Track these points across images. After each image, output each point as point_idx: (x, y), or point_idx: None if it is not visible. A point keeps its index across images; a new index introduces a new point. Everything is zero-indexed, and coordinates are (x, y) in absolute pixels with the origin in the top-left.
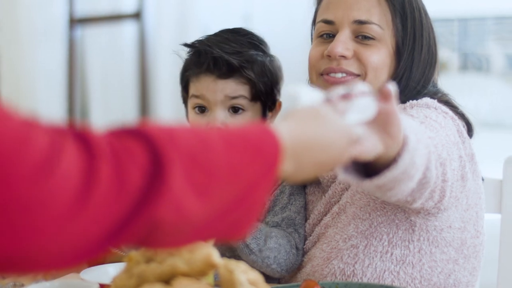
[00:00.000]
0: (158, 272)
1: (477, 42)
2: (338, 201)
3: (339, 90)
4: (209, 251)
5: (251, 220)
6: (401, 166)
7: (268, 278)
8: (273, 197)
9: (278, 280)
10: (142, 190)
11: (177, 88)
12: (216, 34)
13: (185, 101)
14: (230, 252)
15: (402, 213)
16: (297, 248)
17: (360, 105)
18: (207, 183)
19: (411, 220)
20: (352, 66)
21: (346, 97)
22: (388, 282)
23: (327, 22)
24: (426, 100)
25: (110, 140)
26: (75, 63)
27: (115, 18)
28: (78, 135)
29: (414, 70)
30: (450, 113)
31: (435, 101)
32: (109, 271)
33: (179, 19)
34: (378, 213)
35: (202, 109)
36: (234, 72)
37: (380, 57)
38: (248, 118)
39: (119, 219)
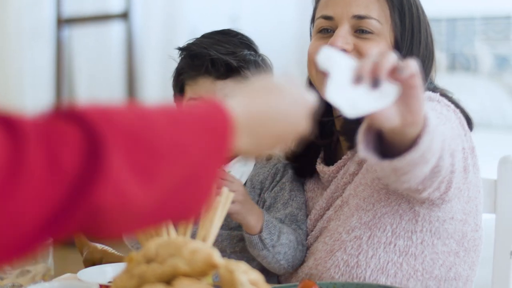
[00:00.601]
0: (159, 272)
1: (465, 42)
2: (341, 195)
3: (369, 61)
4: (210, 251)
5: (202, 199)
6: (421, 148)
7: (268, 276)
8: (273, 193)
9: (278, 280)
10: (78, 173)
11: (165, 88)
12: (206, 36)
13: None
14: (231, 248)
15: (406, 203)
16: (302, 245)
17: (384, 90)
18: (150, 164)
19: (415, 210)
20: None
21: (375, 72)
22: (391, 273)
23: (327, 17)
24: (429, 93)
25: (39, 123)
26: (62, 63)
27: (102, 18)
28: (1, 119)
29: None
30: (452, 106)
31: (437, 94)
32: (107, 271)
33: (166, 20)
34: (382, 203)
35: None
36: (232, 73)
37: (379, 50)
38: None
39: (57, 205)
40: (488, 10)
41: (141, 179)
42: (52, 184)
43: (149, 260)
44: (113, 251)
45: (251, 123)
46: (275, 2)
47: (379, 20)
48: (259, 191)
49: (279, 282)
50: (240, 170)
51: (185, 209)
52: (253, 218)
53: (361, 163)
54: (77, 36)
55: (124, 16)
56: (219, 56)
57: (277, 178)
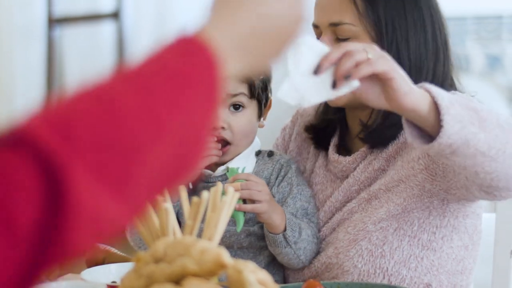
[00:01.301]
0: (168, 272)
1: (457, 42)
2: (363, 188)
3: (334, 54)
4: (219, 251)
5: (197, 161)
6: (448, 131)
7: (274, 269)
8: (281, 189)
9: (283, 275)
10: (42, 221)
11: None
12: None
13: None
14: (238, 243)
15: (439, 200)
16: (316, 237)
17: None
18: (125, 167)
19: (447, 207)
20: None
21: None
22: (412, 267)
23: (314, 26)
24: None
25: None
26: (53, 63)
27: (93, 18)
28: None
29: (404, 58)
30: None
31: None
32: (110, 271)
33: (157, 19)
34: (414, 199)
35: None
36: None
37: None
38: (247, 115)
39: (24, 263)
40: (479, 10)
41: (117, 191)
42: (12, 245)
43: (157, 260)
44: (116, 251)
45: (240, 46)
46: None
47: (353, 22)
48: None
49: (284, 278)
50: (241, 168)
51: (180, 176)
52: (278, 217)
53: (388, 159)
54: (68, 35)
55: (115, 15)
56: None
57: (282, 173)
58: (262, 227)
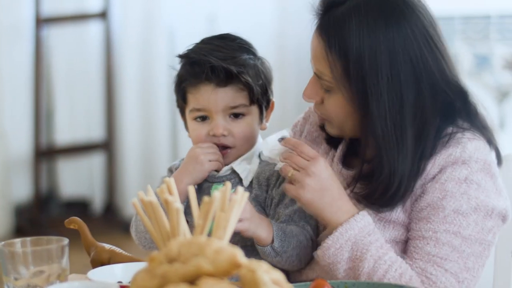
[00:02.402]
0: (182, 272)
1: None
2: None
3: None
4: (234, 251)
5: None
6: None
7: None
8: (280, 190)
9: (287, 277)
10: None
11: (143, 87)
12: (204, 42)
13: (182, 109)
14: (242, 242)
15: None
16: (312, 240)
17: None
18: None
19: None
20: (322, 110)
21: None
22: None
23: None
24: (459, 154)
25: None
26: (41, 62)
27: (81, 17)
28: None
29: (375, 122)
30: (486, 159)
31: (471, 152)
32: (116, 271)
33: (144, 19)
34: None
35: (203, 118)
36: (232, 79)
37: (336, 108)
38: (248, 121)
39: None
40: (467, 10)
41: None
42: None
43: (171, 260)
44: (121, 251)
45: None
46: (254, 2)
47: (330, 81)
48: (266, 187)
49: (287, 275)
50: (245, 169)
51: None
52: (264, 231)
53: None
54: (56, 35)
55: (103, 15)
56: (219, 62)
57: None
58: None
